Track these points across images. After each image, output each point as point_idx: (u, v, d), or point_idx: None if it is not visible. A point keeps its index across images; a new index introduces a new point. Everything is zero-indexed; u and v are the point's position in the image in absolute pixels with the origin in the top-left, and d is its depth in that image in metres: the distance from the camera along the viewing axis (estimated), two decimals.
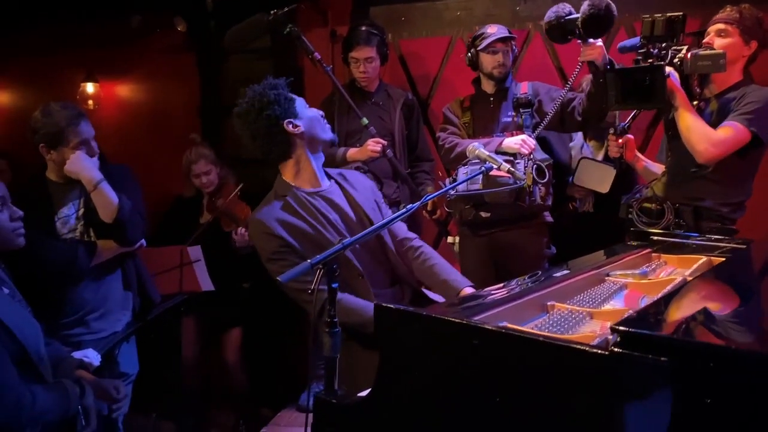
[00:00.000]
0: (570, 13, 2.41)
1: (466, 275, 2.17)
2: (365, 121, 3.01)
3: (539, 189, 2.69)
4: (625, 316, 1.22)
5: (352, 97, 3.08)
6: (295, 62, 3.74)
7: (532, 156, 2.68)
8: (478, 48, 2.89)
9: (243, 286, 3.44)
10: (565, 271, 1.67)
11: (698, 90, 2.43)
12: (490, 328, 1.12)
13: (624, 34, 3.26)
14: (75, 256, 2.27)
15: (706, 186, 2.35)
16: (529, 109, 2.85)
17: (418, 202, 1.78)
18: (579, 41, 2.42)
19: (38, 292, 2.02)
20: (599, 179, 2.63)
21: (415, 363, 1.21)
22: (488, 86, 2.97)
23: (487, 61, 2.90)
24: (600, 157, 2.94)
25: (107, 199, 2.29)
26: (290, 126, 1.98)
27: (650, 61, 2.27)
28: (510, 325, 1.23)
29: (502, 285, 1.61)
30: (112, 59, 4.20)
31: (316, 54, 3.01)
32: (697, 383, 0.94)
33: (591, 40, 2.41)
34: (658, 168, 2.58)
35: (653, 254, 2.06)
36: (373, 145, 2.96)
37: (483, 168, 2.12)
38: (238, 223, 3.26)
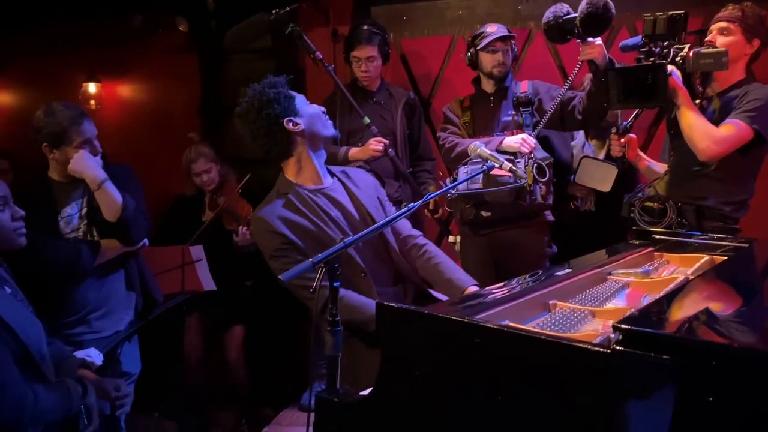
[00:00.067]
0: (568, 13, 2.41)
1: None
2: (367, 120, 3.01)
3: (540, 188, 2.69)
4: (627, 314, 1.22)
5: (354, 96, 3.08)
6: (297, 62, 3.74)
7: (532, 155, 2.67)
8: (478, 47, 2.89)
9: (245, 284, 3.45)
10: (567, 270, 1.67)
11: (700, 88, 2.42)
12: (491, 326, 1.12)
13: (626, 33, 3.25)
14: (79, 256, 2.28)
15: (708, 185, 2.34)
16: (529, 108, 2.85)
17: (419, 201, 1.77)
18: (578, 41, 2.42)
19: (41, 291, 2.03)
20: (601, 178, 2.63)
21: (416, 362, 1.21)
22: (488, 85, 2.97)
23: (487, 60, 2.89)
24: (601, 155, 2.94)
25: (111, 198, 2.29)
26: (290, 124, 1.98)
27: (652, 59, 2.27)
28: (512, 324, 1.22)
29: (503, 284, 1.61)
30: (114, 59, 4.20)
31: (317, 53, 3.01)
32: (699, 382, 0.93)
33: (590, 39, 2.40)
34: (661, 167, 2.58)
35: (655, 253, 2.06)
36: (375, 145, 2.96)
37: (485, 167, 2.12)
38: (239, 221, 3.27)
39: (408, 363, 1.22)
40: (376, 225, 1.71)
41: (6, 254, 1.86)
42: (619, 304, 1.55)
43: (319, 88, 3.34)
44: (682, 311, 1.28)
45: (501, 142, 2.73)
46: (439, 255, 2.13)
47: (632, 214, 2.44)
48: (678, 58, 2.28)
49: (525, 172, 2.58)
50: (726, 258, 1.85)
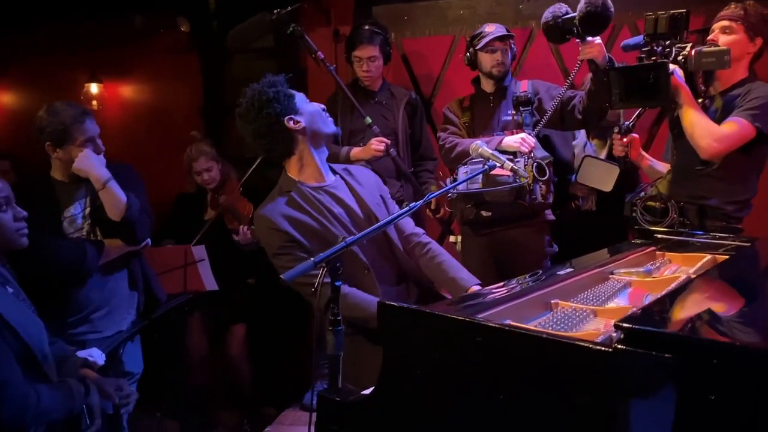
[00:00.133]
0: (567, 13, 2.41)
1: None
2: (368, 120, 3.01)
3: (540, 187, 2.69)
4: (629, 313, 1.22)
5: (356, 96, 3.08)
6: (298, 62, 3.75)
7: (532, 154, 2.67)
8: (477, 47, 2.89)
9: (248, 282, 3.45)
10: (569, 269, 1.67)
11: (703, 87, 2.42)
12: (493, 325, 1.12)
13: (627, 33, 3.25)
14: (84, 255, 2.28)
15: (711, 184, 2.33)
16: (529, 108, 2.85)
17: (421, 201, 1.77)
18: (578, 40, 2.42)
19: (44, 291, 2.03)
20: (603, 178, 2.63)
21: (418, 360, 1.21)
22: (488, 85, 2.97)
23: (486, 60, 2.89)
24: (603, 155, 2.93)
25: (116, 198, 2.30)
26: (291, 122, 1.98)
27: (654, 58, 2.26)
28: (513, 323, 1.22)
29: (504, 283, 1.61)
30: (116, 60, 4.21)
31: (319, 53, 3.02)
32: (701, 380, 0.93)
33: (589, 39, 2.40)
34: (663, 167, 2.57)
35: (657, 252, 2.06)
36: (377, 144, 2.96)
37: (486, 166, 2.12)
38: (240, 220, 3.27)
39: (409, 362, 1.22)
40: (377, 224, 1.71)
41: (12, 254, 1.86)
42: (621, 303, 1.55)
43: (320, 88, 3.35)
44: (684, 310, 1.27)
45: (500, 142, 2.73)
46: (443, 254, 2.13)
47: (634, 214, 2.44)
48: (680, 57, 2.27)
49: (525, 172, 2.58)
50: (728, 257, 1.84)
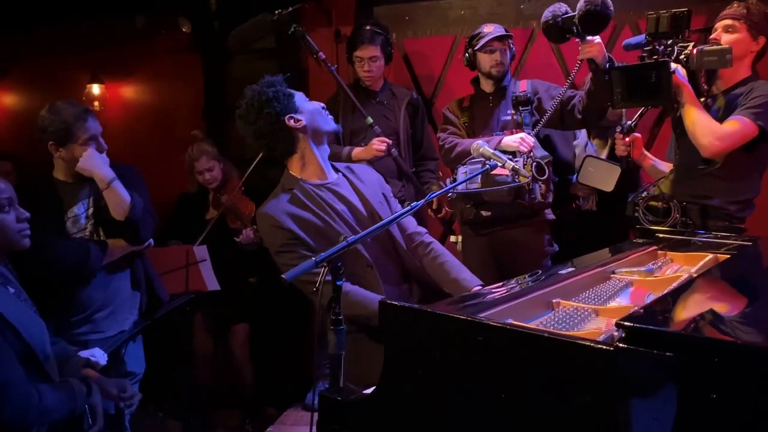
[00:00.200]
0: (567, 12, 2.40)
1: None
2: (370, 120, 3.01)
3: (539, 186, 2.69)
4: (631, 312, 1.22)
5: (357, 96, 3.09)
6: (300, 62, 3.75)
7: (531, 153, 2.67)
8: (475, 48, 2.89)
9: (250, 281, 3.45)
10: (571, 269, 1.67)
11: (705, 86, 2.41)
12: (494, 324, 1.12)
13: (628, 32, 3.25)
14: (88, 255, 2.29)
15: (713, 183, 2.33)
16: (528, 107, 2.85)
17: (422, 201, 1.77)
18: (577, 39, 2.41)
19: (47, 291, 2.03)
20: (604, 178, 2.62)
21: (419, 360, 1.21)
22: (487, 85, 2.97)
23: (485, 61, 2.89)
24: (604, 155, 2.93)
25: (120, 198, 2.30)
26: (291, 121, 1.98)
27: (655, 58, 2.26)
28: (515, 322, 1.22)
29: (505, 282, 1.61)
30: (117, 60, 4.22)
31: (320, 54, 3.02)
32: (702, 379, 0.93)
33: (589, 38, 2.40)
34: (666, 166, 2.57)
35: (659, 252, 2.05)
36: (378, 144, 2.96)
37: (487, 165, 2.12)
38: (242, 220, 3.27)
39: (411, 361, 1.22)
40: (379, 223, 1.71)
41: (16, 254, 1.86)
42: (622, 302, 1.54)
43: (321, 89, 3.35)
44: (685, 309, 1.27)
45: (500, 142, 2.73)
46: (445, 254, 2.13)
47: (636, 214, 2.44)
48: (682, 57, 2.27)
49: (526, 171, 2.58)
50: (730, 256, 1.84)
